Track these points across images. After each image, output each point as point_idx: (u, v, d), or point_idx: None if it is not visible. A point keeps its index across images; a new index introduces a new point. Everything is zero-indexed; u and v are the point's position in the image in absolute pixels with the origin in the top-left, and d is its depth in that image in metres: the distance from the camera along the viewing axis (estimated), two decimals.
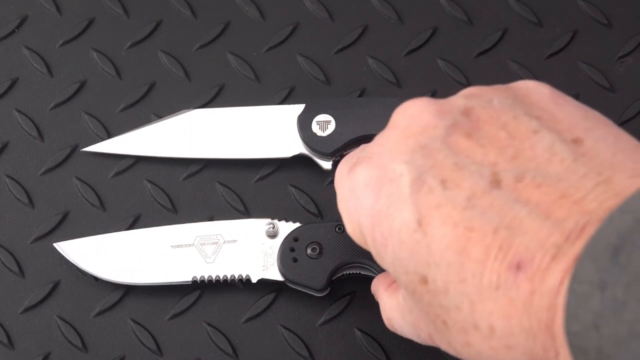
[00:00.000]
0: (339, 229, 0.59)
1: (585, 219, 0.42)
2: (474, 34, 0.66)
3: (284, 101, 0.65)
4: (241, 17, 0.67)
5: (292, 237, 0.60)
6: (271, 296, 0.61)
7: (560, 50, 0.66)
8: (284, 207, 0.63)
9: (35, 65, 0.66)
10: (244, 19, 0.67)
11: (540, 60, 0.66)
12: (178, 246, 0.61)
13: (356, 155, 0.51)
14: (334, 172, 0.62)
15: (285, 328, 0.60)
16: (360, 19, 0.67)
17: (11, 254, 0.62)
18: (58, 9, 0.68)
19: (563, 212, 0.43)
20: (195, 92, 0.66)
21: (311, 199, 0.63)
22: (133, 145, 0.64)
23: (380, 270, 0.58)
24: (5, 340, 0.61)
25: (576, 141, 0.46)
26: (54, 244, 0.61)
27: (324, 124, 0.62)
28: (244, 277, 0.60)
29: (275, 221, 0.60)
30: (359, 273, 0.60)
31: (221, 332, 0.61)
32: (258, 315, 0.61)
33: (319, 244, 0.59)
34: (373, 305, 0.60)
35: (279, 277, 0.60)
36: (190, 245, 0.61)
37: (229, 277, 0.60)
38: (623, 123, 0.64)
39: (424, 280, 0.46)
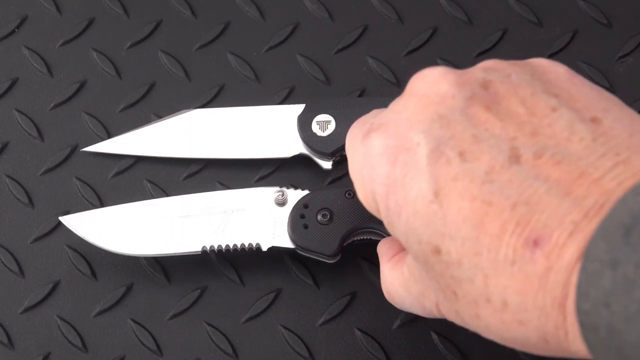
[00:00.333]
0: (349, 194, 0.60)
1: (604, 198, 0.43)
2: (474, 34, 0.67)
3: (284, 101, 0.65)
4: (241, 17, 0.67)
5: (302, 204, 0.60)
6: (271, 296, 0.61)
7: (560, 50, 0.66)
8: None
9: (35, 65, 0.66)
10: (244, 19, 0.67)
11: None
12: (187, 216, 0.60)
13: (369, 121, 0.51)
14: (334, 172, 0.63)
15: (285, 328, 0.61)
16: (360, 19, 0.67)
17: (11, 254, 0.62)
18: (58, 9, 0.68)
19: (582, 191, 0.43)
20: (195, 92, 0.66)
21: None
22: (133, 145, 0.64)
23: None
24: (5, 340, 0.61)
25: (594, 120, 0.46)
26: (60, 218, 0.61)
27: (324, 124, 0.62)
28: (254, 245, 0.60)
29: (284, 189, 0.61)
30: (370, 238, 0.60)
31: (221, 332, 0.61)
32: (258, 315, 0.61)
33: (330, 210, 0.59)
34: (373, 305, 0.61)
35: (289, 244, 0.60)
36: (198, 215, 0.61)
37: (239, 246, 0.60)
38: None
39: (437, 251, 0.46)
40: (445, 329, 0.60)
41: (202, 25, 0.67)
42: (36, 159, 0.64)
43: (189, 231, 0.60)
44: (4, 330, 0.61)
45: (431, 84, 0.49)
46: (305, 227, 0.60)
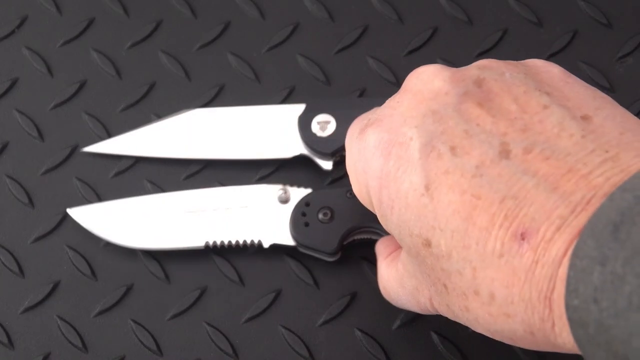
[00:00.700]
0: (350, 194, 0.60)
1: (592, 193, 0.43)
2: (474, 34, 0.67)
3: (284, 101, 0.65)
4: (241, 17, 0.67)
5: (304, 202, 0.60)
6: (271, 296, 0.61)
7: (560, 50, 0.66)
8: None
9: (35, 65, 0.66)
10: (244, 19, 0.67)
11: (541, 59, 0.65)
12: (191, 211, 0.61)
13: (367, 117, 0.52)
14: (334, 172, 0.63)
15: (285, 328, 0.61)
16: (360, 19, 0.67)
17: (11, 254, 0.62)
18: (58, 9, 0.68)
19: (570, 186, 0.44)
20: (195, 92, 0.66)
21: None
22: (133, 145, 0.64)
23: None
24: (5, 340, 0.61)
25: (585, 118, 0.47)
26: (67, 210, 0.62)
27: (324, 124, 0.62)
28: (255, 242, 0.60)
29: (287, 187, 0.61)
30: (370, 238, 0.60)
31: (221, 332, 0.61)
32: (258, 315, 0.61)
33: (331, 209, 0.60)
34: (373, 305, 0.61)
35: (290, 242, 0.60)
36: (202, 210, 0.61)
37: (240, 242, 0.61)
38: None
39: (428, 244, 0.47)
40: (445, 329, 0.60)
41: (202, 25, 0.67)
42: (36, 159, 0.64)
43: (192, 226, 0.61)
44: (4, 330, 0.61)
45: (426, 81, 0.50)
46: (306, 225, 0.60)
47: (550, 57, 0.65)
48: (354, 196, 0.59)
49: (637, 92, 0.65)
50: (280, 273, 0.61)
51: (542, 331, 0.45)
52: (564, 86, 0.49)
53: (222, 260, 0.62)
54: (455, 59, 0.66)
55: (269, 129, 0.63)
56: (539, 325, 0.44)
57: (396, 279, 0.54)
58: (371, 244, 0.61)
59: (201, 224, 0.61)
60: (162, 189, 0.63)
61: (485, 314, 0.46)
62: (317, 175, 0.63)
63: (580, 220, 0.43)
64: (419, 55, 0.66)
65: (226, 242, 0.61)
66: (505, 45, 0.66)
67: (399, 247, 0.56)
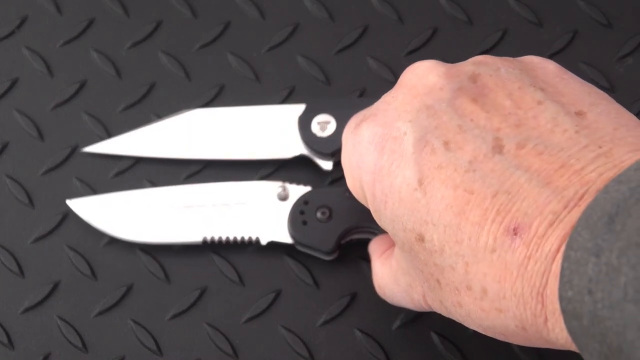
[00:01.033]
0: (349, 193, 0.60)
1: (584, 189, 0.43)
2: (474, 34, 0.66)
3: (284, 101, 0.65)
4: (241, 17, 0.67)
5: (303, 201, 0.60)
6: (271, 296, 0.61)
7: (560, 50, 0.66)
8: None
9: (35, 65, 0.66)
10: (244, 19, 0.67)
11: None
12: (189, 206, 0.61)
13: (363, 113, 0.53)
14: (334, 172, 0.63)
15: (285, 328, 0.61)
16: (360, 19, 0.67)
17: (11, 254, 0.62)
18: (58, 9, 0.68)
19: (563, 181, 0.44)
20: (195, 92, 0.66)
21: None
22: (133, 145, 0.64)
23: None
24: (5, 340, 0.61)
25: (579, 114, 0.47)
26: (67, 201, 0.62)
27: (324, 124, 0.62)
28: (253, 239, 0.61)
29: (286, 184, 0.61)
30: (368, 238, 0.60)
31: (221, 332, 0.61)
32: (258, 315, 0.61)
33: (329, 208, 0.60)
34: (373, 305, 0.61)
35: (288, 239, 0.60)
36: (201, 205, 0.61)
37: (238, 239, 0.61)
38: None
39: (421, 239, 0.47)
40: (445, 329, 0.60)
41: (202, 25, 0.67)
42: (36, 159, 0.64)
43: (190, 221, 0.61)
44: (4, 330, 0.61)
45: (421, 76, 0.50)
46: (304, 223, 0.60)
47: (550, 57, 0.65)
48: (353, 196, 0.60)
49: (637, 92, 0.65)
50: (280, 273, 0.61)
51: (534, 326, 0.45)
52: (559, 82, 0.49)
53: (222, 260, 0.62)
54: (455, 59, 0.65)
55: (269, 129, 0.63)
56: (531, 320, 0.45)
57: (390, 276, 0.54)
58: (361, 277, 0.61)
59: (199, 219, 0.61)
60: None
61: (478, 309, 0.47)
62: (317, 175, 0.63)
63: (573, 215, 0.43)
64: (419, 55, 0.66)
65: (224, 238, 0.61)
66: (505, 45, 0.66)
67: (392, 246, 0.56)
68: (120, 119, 0.65)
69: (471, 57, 0.65)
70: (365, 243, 0.61)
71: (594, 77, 0.65)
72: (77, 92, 0.66)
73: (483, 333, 0.49)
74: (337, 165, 0.63)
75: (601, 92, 0.49)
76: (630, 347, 0.39)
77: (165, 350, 0.60)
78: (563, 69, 0.50)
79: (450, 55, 0.66)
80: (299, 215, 0.60)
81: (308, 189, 0.61)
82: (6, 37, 0.67)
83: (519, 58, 0.51)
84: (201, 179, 0.63)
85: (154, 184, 0.63)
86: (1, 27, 0.67)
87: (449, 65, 0.51)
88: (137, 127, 0.64)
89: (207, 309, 0.61)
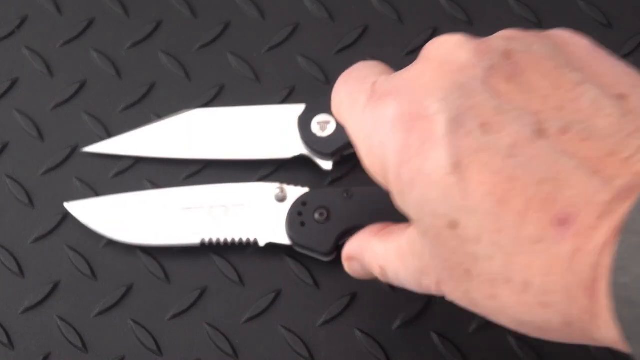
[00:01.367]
0: (347, 194, 0.60)
1: (636, 180, 0.41)
2: (474, 34, 0.66)
3: (284, 101, 0.65)
4: (241, 17, 0.67)
5: (301, 202, 0.60)
6: (271, 296, 0.61)
7: None
8: None
9: (35, 65, 0.66)
10: (244, 19, 0.67)
11: None
12: (187, 208, 0.61)
13: (369, 82, 0.49)
14: (334, 172, 0.63)
15: (285, 328, 0.61)
16: (360, 19, 0.67)
17: (11, 254, 0.62)
18: (58, 9, 0.68)
19: (611, 170, 0.42)
20: (195, 92, 0.66)
21: None
22: (133, 145, 0.64)
23: None
24: (5, 340, 0.61)
25: (621, 97, 0.44)
26: (65, 204, 0.62)
27: (324, 124, 0.62)
28: (251, 240, 0.61)
29: (284, 185, 0.61)
30: None
31: (221, 332, 0.61)
32: (258, 315, 0.61)
33: (327, 209, 0.60)
34: (373, 305, 0.61)
35: (286, 241, 0.60)
36: (199, 207, 0.61)
37: (236, 240, 0.61)
38: None
39: (454, 225, 0.44)
40: (445, 329, 0.60)
41: (202, 25, 0.67)
42: (36, 159, 0.64)
43: (188, 223, 0.61)
44: (4, 330, 0.61)
45: (450, 51, 0.47)
46: (302, 224, 0.60)
47: None
48: (351, 196, 0.60)
49: None
50: (280, 273, 0.61)
51: (580, 322, 0.42)
52: (594, 61, 0.46)
53: (222, 260, 0.62)
54: None
55: (269, 129, 0.63)
56: (578, 315, 0.42)
57: (397, 257, 0.51)
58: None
59: (197, 221, 0.61)
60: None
61: (517, 303, 0.44)
62: (317, 175, 0.63)
63: (625, 207, 0.41)
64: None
65: (222, 240, 0.61)
66: None
67: (390, 224, 0.53)
68: (120, 119, 0.65)
69: None
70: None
71: None
72: (77, 92, 0.66)
73: (514, 329, 0.46)
74: (337, 165, 0.63)
75: (636, 72, 0.46)
76: None
77: (165, 350, 0.60)
78: (595, 46, 0.47)
79: None
80: (297, 217, 0.60)
81: (306, 190, 0.61)
82: (6, 37, 0.67)
83: (549, 32, 0.48)
84: (201, 179, 0.63)
85: (154, 184, 0.63)
86: (1, 27, 0.67)
87: (478, 40, 0.48)
88: (137, 127, 0.64)
89: (207, 309, 0.61)
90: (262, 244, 0.61)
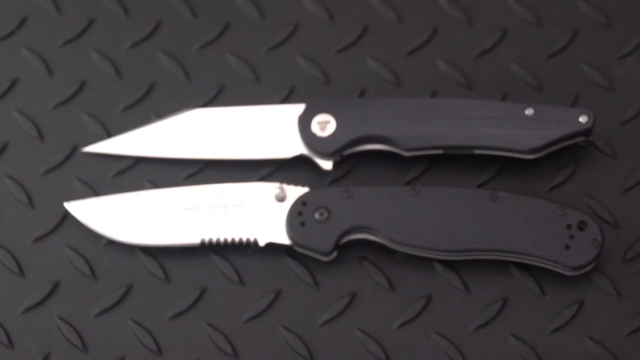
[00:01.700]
0: (347, 194, 0.60)
1: None
2: (474, 34, 0.66)
3: (284, 101, 0.65)
4: (241, 17, 0.67)
5: (301, 202, 0.60)
6: (271, 296, 0.61)
7: (561, 50, 0.66)
8: None
9: (35, 65, 0.66)
10: (244, 19, 0.67)
11: (540, 60, 0.66)
12: (188, 208, 0.61)
13: None
14: (334, 172, 0.63)
15: (285, 328, 0.61)
16: (360, 19, 0.67)
17: (11, 254, 0.62)
18: (58, 9, 0.68)
19: None
20: (195, 92, 0.66)
21: None
22: (133, 145, 0.64)
23: (387, 237, 0.59)
24: (5, 340, 0.61)
25: None
26: (65, 204, 0.62)
27: (324, 124, 0.62)
28: (251, 240, 0.60)
29: (284, 185, 0.61)
30: (366, 238, 0.60)
31: (221, 332, 0.61)
32: (258, 315, 0.61)
33: (327, 209, 0.60)
34: (373, 305, 0.61)
35: (286, 240, 0.60)
36: (199, 207, 0.61)
37: (236, 240, 0.61)
38: (623, 123, 0.64)
39: None
40: (445, 329, 0.60)
41: (202, 25, 0.67)
42: (36, 159, 0.64)
43: (188, 223, 0.61)
44: (4, 330, 0.61)
45: None
46: (302, 224, 0.60)
47: (550, 57, 0.65)
48: (351, 196, 0.60)
49: (637, 92, 0.65)
50: (280, 273, 0.61)
51: None
52: None
53: (222, 260, 0.62)
54: (455, 59, 0.66)
55: (269, 129, 0.63)
56: None
57: None
58: (371, 244, 0.61)
59: (197, 221, 0.61)
60: None
61: None
62: (317, 175, 0.63)
63: None
64: (419, 55, 0.66)
65: (222, 240, 0.61)
66: (505, 45, 0.66)
67: None
68: (120, 119, 0.65)
69: (471, 57, 0.66)
70: (366, 243, 0.61)
71: (594, 77, 0.65)
72: (77, 92, 0.66)
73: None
74: (337, 165, 0.63)
75: None
76: None
77: (165, 350, 0.60)
78: None
79: (450, 55, 0.66)
80: (297, 216, 0.60)
81: (306, 189, 0.61)
82: (6, 37, 0.67)
83: None
84: (201, 179, 0.63)
85: (154, 183, 0.63)
86: (1, 27, 0.67)
87: None
88: (137, 127, 0.64)
89: (207, 309, 0.61)
90: (262, 243, 0.61)
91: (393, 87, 0.65)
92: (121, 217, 0.61)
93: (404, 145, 0.62)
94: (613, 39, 0.66)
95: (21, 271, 0.62)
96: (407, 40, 0.66)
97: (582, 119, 0.61)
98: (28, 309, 0.61)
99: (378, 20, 0.67)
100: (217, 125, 0.64)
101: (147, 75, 0.66)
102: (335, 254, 0.60)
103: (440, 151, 0.62)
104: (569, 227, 0.59)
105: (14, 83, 0.66)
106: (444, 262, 0.61)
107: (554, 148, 0.62)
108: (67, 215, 0.63)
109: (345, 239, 0.60)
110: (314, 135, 0.62)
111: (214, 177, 0.63)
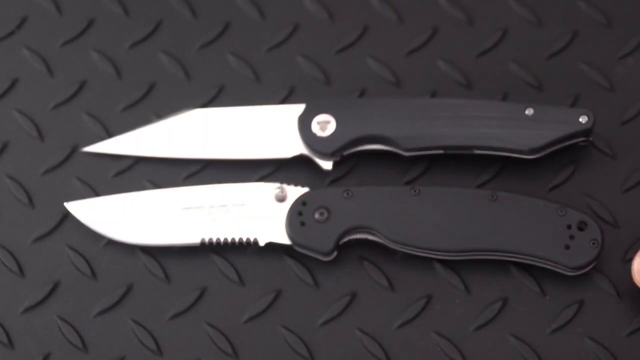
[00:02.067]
0: (347, 194, 0.60)
1: None
2: (474, 34, 0.66)
3: (284, 101, 0.65)
4: (241, 17, 0.67)
5: (301, 202, 0.60)
6: (271, 296, 0.61)
7: (561, 50, 0.66)
8: None
9: (35, 65, 0.66)
10: (244, 19, 0.67)
11: (540, 60, 0.66)
12: (188, 208, 0.61)
13: None
14: (334, 172, 0.63)
15: (285, 328, 0.61)
16: (360, 19, 0.67)
17: (11, 254, 0.62)
18: (58, 9, 0.68)
19: None
20: (195, 92, 0.66)
21: None
22: (133, 145, 0.64)
23: (387, 237, 0.59)
24: (5, 340, 0.61)
25: None
26: (66, 204, 0.62)
27: (324, 124, 0.62)
28: (251, 240, 0.60)
29: (284, 185, 0.61)
30: (366, 238, 0.60)
31: (221, 332, 0.61)
32: (258, 315, 0.61)
33: (327, 209, 0.60)
34: (373, 306, 0.61)
35: (286, 240, 0.60)
36: (199, 207, 0.61)
37: (237, 240, 0.61)
38: (623, 123, 0.64)
39: None
40: (445, 329, 0.60)
41: (202, 25, 0.67)
42: (36, 159, 0.64)
43: (188, 223, 0.61)
44: (4, 330, 0.61)
45: None
46: (302, 224, 0.60)
47: (550, 57, 0.65)
48: (351, 196, 0.60)
49: (637, 92, 0.65)
50: (280, 273, 0.61)
51: None
52: None
53: (222, 260, 0.62)
54: (455, 59, 0.66)
55: (269, 129, 0.63)
56: None
57: None
58: (371, 244, 0.61)
59: (197, 221, 0.61)
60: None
61: None
62: (317, 175, 0.63)
63: None
64: (419, 55, 0.66)
65: (222, 239, 0.61)
66: (505, 45, 0.66)
67: None
68: (120, 119, 0.65)
69: (471, 57, 0.66)
70: (366, 243, 0.61)
71: (594, 77, 0.65)
72: (77, 92, 0.66)
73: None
74: (337, 165, 0.63)
75: None
76: None
77: (165, 350, 0.60)
78: None
79: (450, 55, 0.66)
80: (297, 216, 0.60)
81: (306, 189, 0.61)
82: (6, 37, 0.67)
83: None
84: (201, 179, 0.63)
85: (154, 183, 0.63)
86: (1, 27, 0.67)
87: None
88: (137, 127, 0.64)
89: (207, 309, 0.61)
90: (262, 243, 0.61)
91: (393, 87, 0.65)
92: (121, 217, 0.61)
93: (404, 145, 0.62)
94: (613, 39, 0.66)
95: (21, 271, 0.62)
96: (407, 40, 0.66)
97: (582, 119, 0.61)
98: (28, 309, 0.61)
99: (378, 20, 0.67)
100: (217, 125, 0.64)
101: (147, 75, 0.66)
102: (335, 254, 0.60)
103: (440, 151, 0.62)
104: (569, 227, 0.59)
105: (14, 83, 0.66)
106: (444, 262, 0.61)
107: (554, 148, 0.62)
108: (67, 215, 0.63)
109: (345, 239, 0.60)
110: (314, 135, 0.62)
111: (214, 177, 0.63)
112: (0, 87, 0.66)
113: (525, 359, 0.59)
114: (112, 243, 0.62)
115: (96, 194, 0.63)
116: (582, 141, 0.62)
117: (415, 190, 0.60)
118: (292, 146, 0.63)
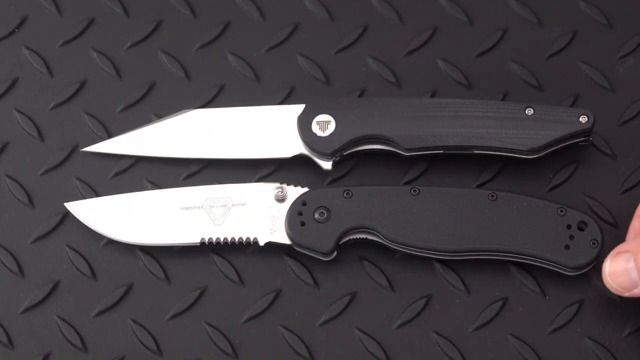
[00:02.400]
0: (347, 194, 0.60)
1: None
2: (474, 34, 0.66)
3: (284, 101, 0.65)
4: (241, 17, 0.67)
5: (301, 202, 0.60)
6: (271, 296, 0.61)
7: (560, 50, 0.66)
8: None
9: (35, 65, 0.66)
10: (244, 19, 0.67)
11: (540, 60, 0.66)
12: (187, 208, 0.61)
13: None
14: (334, 172, 0.63)
15: (285, 328, 0.61)
16: (360, 19, 0.67)
17: (11, 254, 0.62)
18: (58, 9, 0.68)
19: None
20: (195, 92, 0.66)
21: None
22: (133, 145, 0.64)
23: (386, 237, 0.59)
24: (5, 340, 0.61)
25: None
26: (66, 204, 0.62)
27: (324, 124, 0.62)
28: (251, 239, 0.60)
29: (284, 185, 0.61)
30: (366, 238, 0.60)
31: (221, 332, 0.61)
32: (258, 315, 0.61)
33: (327, 209, 0.60)
34: (373, 306, 0.61)
35: (286, 240, 0.60)
36: (199, 207, 0.61)
37: (236, 240, 0.61)
38: (623, 123, 0.64)
39: None
40: (445, 329, 0.60)
41: (202, 25, 0.67)
42: (36, 159, 0.64)
43: (188, 223, 0.61)
44: (4, 330, 0.61)
45: None
46: (302, 224, 0.60)
47: (550, 57, 0.65)
48: (351, 196, 0.60)
49: (637, 92, 0.65)
50: (280, 273, 0.61)
51: None
52: None
53: (222, 260, 0.62)
54: (455, 59, 0.66)
55: (269, 129, 0.63)
56: None
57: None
58: (371, 244, 0.61)
59: (197, 221, 0.61)
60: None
61: None
62: (316, 175, 0.63)
63: None
64: (419, 55, 0.66)
65: (222, 239, 0.61)
66: (505, 45, 0.66)
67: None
68: (120, 119, 0.65)
69: (471, 57, 0.66)
70: (366, 243, 0.61)
71: (594, 77, 0.65)
72: (77, 92, 0.66)
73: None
74: (337, 165, 0.63)
75: None
76: None
77: (165, 350, 0.60)
78: None
79: (450, 55, 0.66)
80: (297, 216, 0.60)
81: (306, 190, 0.61)
82: (6, 37, 0.67)
83: None
84: (201, 179, 0.63)
85: (154, 183, 0.63)
86: (1, 27, 0.67)
87: None
88: (137, 127, 0.64)
89: (207, 309, 0.61)
90: (262, 243, 0.61)
91: (393, 87, 0.65)
92: (121, 217, 0.61)
93: (404, 145, 0.62)
94: (613, 39, 0.66)
95: (21, 271, 0.62)
96: (407, 40, 0.66)
97: (582, 119, 0.61)
98: (28, 309, 0.61)
99: (378, 20, 0.67)
100: (217, 125, 0.64)
101: (147, 75, 0.66)
102: (335, 254, 0.60)
103: (440, 151, 0.62)
104: (569, 227, 0.59)
105: (14, 83, 0.66)
106: (444, 262, 0.61)
107: (554, 148, 0.62)
108: (67, 215, 0.63)
109: (345, 239, 0.60)
110: (313, 135, 0.62)
111: (214, 177, 0.63)
112: (0, 87, 0.66)
113: (525, 359, 0.59)
114: (112, 243, 0.62)
115: (96, 194, 0.63)
116: (582, 141, 0.62)
117: (415, 190, 0.60)
118: (292, 146, 0.63)
